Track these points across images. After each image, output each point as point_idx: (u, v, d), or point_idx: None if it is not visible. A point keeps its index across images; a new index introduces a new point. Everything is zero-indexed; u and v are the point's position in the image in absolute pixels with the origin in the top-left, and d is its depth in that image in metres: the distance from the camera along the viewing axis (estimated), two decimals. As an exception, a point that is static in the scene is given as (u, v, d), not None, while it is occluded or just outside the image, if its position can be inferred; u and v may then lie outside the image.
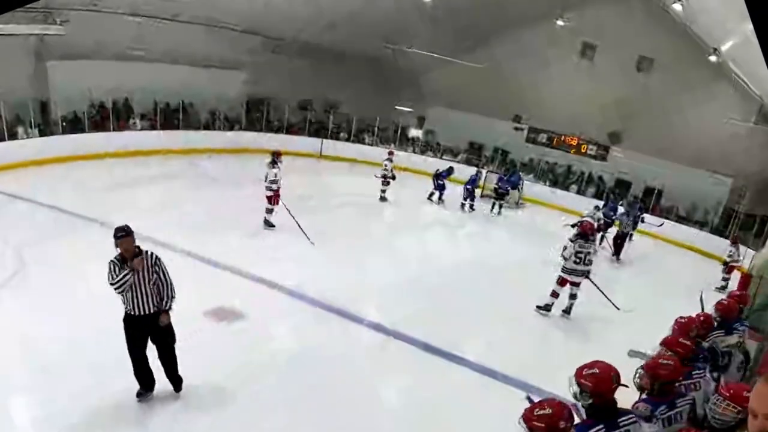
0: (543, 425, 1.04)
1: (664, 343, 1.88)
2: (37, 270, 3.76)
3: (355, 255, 4.83)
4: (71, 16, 7.36)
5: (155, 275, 2.20)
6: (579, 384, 1.23)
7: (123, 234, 2.10)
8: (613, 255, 5.96)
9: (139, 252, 2.14)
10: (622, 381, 1.30)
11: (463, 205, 7.27)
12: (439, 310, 3.65)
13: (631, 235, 6.63)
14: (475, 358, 3.08)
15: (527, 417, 1.12)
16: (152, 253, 2.26)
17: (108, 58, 7.68)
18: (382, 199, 7.21)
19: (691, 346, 1.85)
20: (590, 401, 1.20)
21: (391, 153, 7.44)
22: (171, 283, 2.28)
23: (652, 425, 1.46)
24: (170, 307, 2.29)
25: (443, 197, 7.37)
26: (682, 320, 2.08)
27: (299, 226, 4.85)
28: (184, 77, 7.49)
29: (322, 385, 2.61)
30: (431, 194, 7.52)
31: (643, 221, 6.76)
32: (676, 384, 1.60)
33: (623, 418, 1.24)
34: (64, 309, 3.01)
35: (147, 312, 2.18)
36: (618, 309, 3.93)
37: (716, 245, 6.77)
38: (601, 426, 1.18)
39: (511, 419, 1.17)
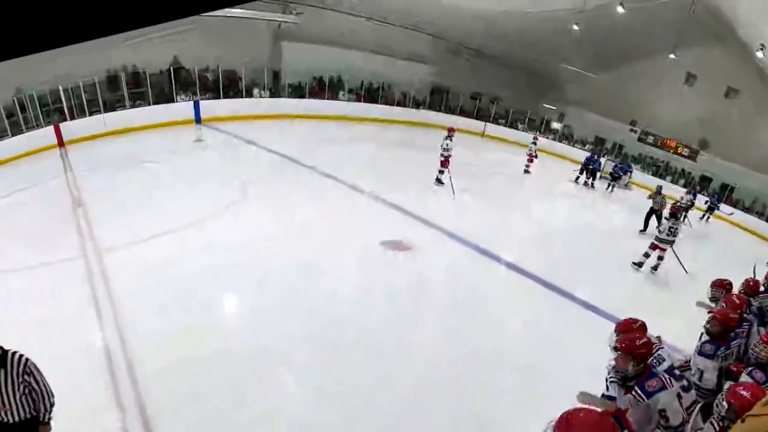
0: (643, 351, 2.48)
1: (726, 300, 3.86)
2: (256, 201, 8.38)
3: (500, 210, 9.72)
4: (305, 9, 15.83)
5: (23, 386, 2.53)
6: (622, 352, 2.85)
7: None
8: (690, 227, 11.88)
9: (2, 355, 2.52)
10: (688, 322, 3.69)
11: (585, 183, 14.70)
12: (560, 258, 7.46)
13: (709, 217, 14.27)
14: (584, 296, 6.25)
15: (628, 347, 2.55)
16: (21, 358, 2.53)
17: (328, 44, 15.91)
18: (526, 172, 14.08)
19: (744, 302, 3.88)
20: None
21: (535, 138, 14.92)
22: (47, 391, 2.68)
23: (714, 361, 3.34)
24: (48, 419, 2.73)
25: (594, 182, 14.59)
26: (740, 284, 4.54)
27: (452, 184, 9.93)
28: (384, 65, 15.86)
29: (464, 306, 5.73)
30: (577, 177, 14.66)
31: (718, 208, 14.42)
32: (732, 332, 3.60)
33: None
34: (276, 234, 7.01)
35: (12, 421, 2.60)
36: (686, 272, 7.78)
37: None
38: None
39: (591, 341, 3.20)
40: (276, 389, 4.75)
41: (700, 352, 3.76)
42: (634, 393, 2.90)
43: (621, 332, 3.20)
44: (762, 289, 5.00)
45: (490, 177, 13.91)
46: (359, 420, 4.30)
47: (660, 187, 11.26)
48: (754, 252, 13.82)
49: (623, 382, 3.01)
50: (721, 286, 4.66)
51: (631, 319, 3.39)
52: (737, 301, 4.15)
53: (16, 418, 2.65)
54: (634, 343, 2.90)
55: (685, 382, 3.34)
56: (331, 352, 5.19)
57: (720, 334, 3.75)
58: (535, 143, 15.30)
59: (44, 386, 2.73)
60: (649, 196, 10.88)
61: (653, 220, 10.72)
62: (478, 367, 5.21)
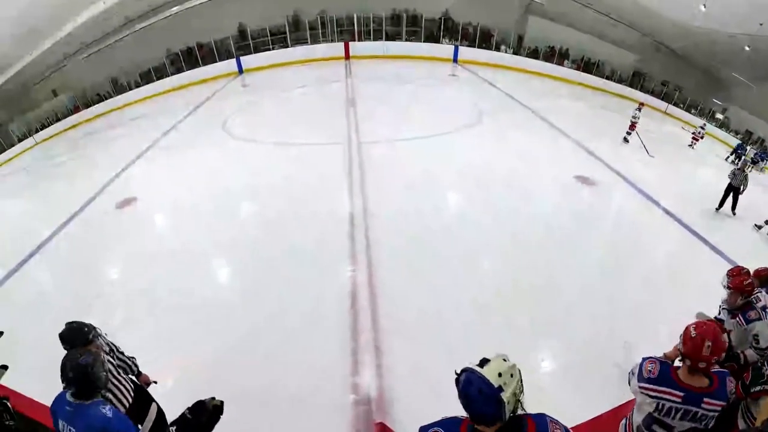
0: (749, 288, 5.08)
1: None
2: (487, 126, 17.80)
3: (665, 170, 17.18)
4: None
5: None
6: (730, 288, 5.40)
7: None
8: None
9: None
10: None
11: (733, 161, 25.46)
12: (708, 214, 13.57)
13: None
14: (717, 243, 11.48)
15: (737, 284, 5.17)
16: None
17: (563, 23, 33.50)
18: (690, 146, 24.77)
19: None
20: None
21: (704, 125, 27.03)
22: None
23: None
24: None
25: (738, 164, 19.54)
26: None
27: (643, 144, 19.00)
28: (601, 46, 34.24)
29: (621, 231, 11.95)
30: (727, 158, 26.81)
31: None
32: None
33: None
34: (495, 148, 15.68)
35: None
36: None
37: None
38: None
39: (716, 279, 5.62)
40: (471, 268, 9.49)
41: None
42: (738, 319, 5.27)
43: (731, 275, 5.45)
44: None
45: (663, 144, 22.28)
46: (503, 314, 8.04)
47: (745, 163, 15.43)
48: None
49: (731, 311, 5.40)
50: None
51: (739, 266, 5.65)
52: None
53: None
54: (742, 284, 5.23)
55: None
56: (514, 246, 10.10)
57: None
58: (703, 128, 25.82)
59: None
60: (733, 173, 14.31)
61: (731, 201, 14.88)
62: (620, 278, 9.60)
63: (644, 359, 3.94)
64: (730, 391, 3.72)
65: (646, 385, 3.81)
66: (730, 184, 14.98)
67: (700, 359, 3.59)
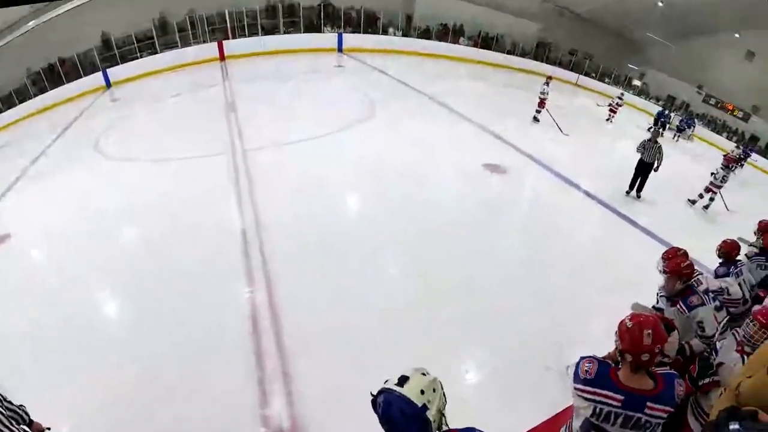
0: (688, 272, 5.54)
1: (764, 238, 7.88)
2: (381, 119, 18.66)
3: (583, 147, 19.40)
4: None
5: None
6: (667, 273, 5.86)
7: None
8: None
9: None
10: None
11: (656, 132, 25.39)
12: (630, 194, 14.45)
13: (743, 164, 28.98)
14: (645, 224, 12.65)
15: (674, 267, 5.63)
16: None
17: None
18: (608, 120, 26.85)
19: None
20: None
21: (622, 95, 28.52)
22: None
23: (731, 277, 7.06)
24: None
25: (663, 132, 27.72)
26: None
27: (555, 122, 20.54)
28: (499, 18, 35.79)
29: (539, 222, 12.74)
30: (650, 128, 27.07)
31: (750, 156, 30.39)
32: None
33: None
34: (393, 141, 16.64)
35: None
36: (728, 210, 15.76)
37: None
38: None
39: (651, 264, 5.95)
40: (378, 271, 9.71)
41: (717, 276, 7.18)
42: (678, 306, 5.49)
43: (667, 258, 5.74)
44: None
45: (578, 119, 24.28)
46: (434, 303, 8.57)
47: (657, 133, 16.31)
48: None
49: (670, 297, 5.64)
50: (763, 227, 8.34)
51: (675, 247, 5.95)
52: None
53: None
54: (679, 266, 5.49)
55: (717, 303, 5.91)
56: (420, 241, 10.51)
57: (726, 258, 7.39)
58: (621, 97, 27.37)
59: None
60: (643, 145, 15.04)
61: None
62: (544, 272, 9.94)
63: (582, 358, 3.98)
64: (678, 395, 3.80)
65: (582, 387, 3.85)
66: (641, 161, 15.62)
67: (642, 350, 3.64)
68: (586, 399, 3.85)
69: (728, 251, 8.15)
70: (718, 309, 6.20)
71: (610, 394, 3.77)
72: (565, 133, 21.59)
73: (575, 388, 3.88)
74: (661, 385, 3.79)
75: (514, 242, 11.65)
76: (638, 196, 15.78)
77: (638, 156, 15.75)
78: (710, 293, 6.32)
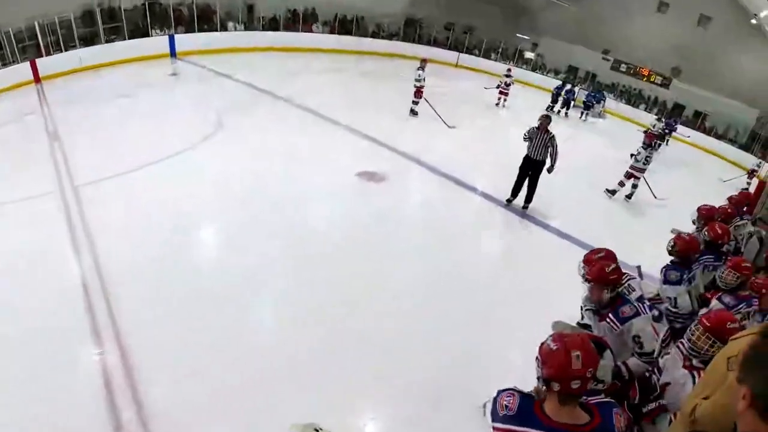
0: (615, 277, 5.39)
1: (709, 227, 8.50)
2: (231, 133, 17.13)
3: (473, 140, 19.56)
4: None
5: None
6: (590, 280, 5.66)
7: None
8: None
9: None
10: (663, 248, 7.67)
11: (558, 112, 29.52)
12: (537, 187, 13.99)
13: (668, 140, 30.34)
14: (558, 225, 13.14)
15: (592, 271, 5.57)
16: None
17: None
18: (497, 105, 27.34)
19: (727, 232, 8.68)
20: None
21: (509, 71, 28.30)
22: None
23: (682, 285, 7.13)
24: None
25: (568, 112, 29.79)
26: (706, 207, 9.61)
27: (437, 113, 20.30)
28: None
29: (435, 234, 12.45)
30: (549, 107, 29.13)
31: (675, 130, 31.37)
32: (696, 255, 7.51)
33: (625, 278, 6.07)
34: (251, 166, 15.03)
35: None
36: (656, 198, 16.55)
37: (743, 157, 30.60)
38: None
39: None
40: (254, 314, 9.21)
41: (666, 281, 6.98)
42: (608, 320, 5.31)
43: (589, 263, 5.65)
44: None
45: (462, 106, 24.64)
46: (334, 343, 8.26)
47: (547, 120, 13.53)
48: (720, 174, 25.69)
49: (597, 310, 5.47)
50: (706, 215, 8.87)
51: (596, 249, 6.00)
52: (719, 231, 8.03)
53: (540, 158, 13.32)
54: (603, 272, 5.30)
55: (656, 312, 5.91)
56: (304, 276, 9.98)
57: (683, 258, 7.12)
58: (509, 75, 27.27)
59: (556, 149, 13.46)
60: (529, 135, 13.41)
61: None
62: (449, 292, 9.87)
63: (500, 392, 3.68)
64: (619, 428, 3.58)
65: (502, 426, 3.56)
66: (527, 157, 14.23)
67: (571, 377, 3.32)
68: None
69: (685, 249, 7.70)
70: (656, 319, 6.07)
71: (537, 431, 3.45)
72: (450, 125, 21.41)
73: (494, 428, 3.61)
74: (597, 418, 3.53)
75: (409, 259, 11.47)
76: (525, 208, 14.87)
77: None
78: (645, 301, 6.06)
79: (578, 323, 6.02)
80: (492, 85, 30.11)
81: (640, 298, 6.00)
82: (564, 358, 3.36)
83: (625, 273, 6.00)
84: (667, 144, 31.84)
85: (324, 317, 9.04)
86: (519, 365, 6.39)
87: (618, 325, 5.46)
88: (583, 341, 3.49)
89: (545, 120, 13.99)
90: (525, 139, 13.86)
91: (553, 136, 13.57)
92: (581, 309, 6.10)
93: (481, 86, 31.28)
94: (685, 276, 7.40)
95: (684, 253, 7.63)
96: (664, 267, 7.87)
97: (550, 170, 13.75)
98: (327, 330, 8.70)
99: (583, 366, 3.36)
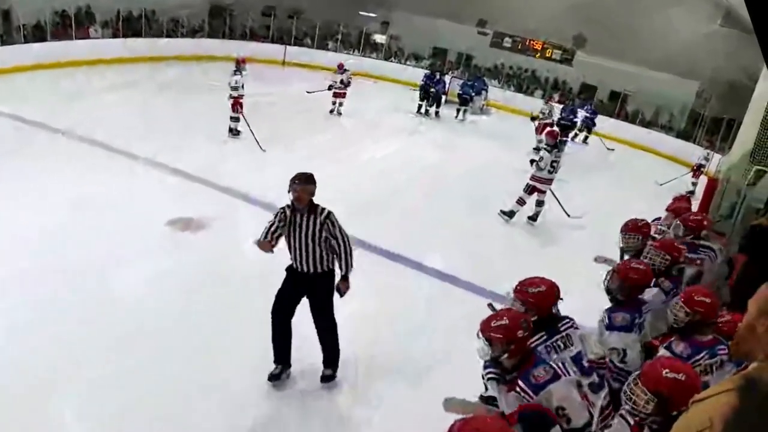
0: (501, 336, 5.81)
1: (657, 246, 9.84)
2: None
3: (313, 162, 17.91)
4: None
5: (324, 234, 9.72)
6: (521, 301, 7.05)
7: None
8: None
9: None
10: (589, 285, 9.34)
11: (426, 111, 34.59)
12: (402, 220, 17.29)
13: (587, 137, 35.62)
14: (440, 266, 14.78)
15: (484, 329, 5.98)
16: (325, 210, 9.64)
17: None
18: (334, 112, 31.44)
19: (681, 251, 10.07)
20: (534, 317, 6.72)
21: (342, 67, 31.60)
22: (347, 246, 9.87)
23: (634, 333, 8.02)
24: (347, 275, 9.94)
25: (439, 111, 34.12)
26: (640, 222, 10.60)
27: (253, 134, 22.81)
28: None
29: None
30: (420, 107, 34.24)
31: (594, 125, 35.88)
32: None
33: (562, 323, 7.14)
34: (27, 230, 15.21)
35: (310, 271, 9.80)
36: (569, 217, 18.75)
37: (683, 149, 34.70)
38: (543, 334, 6.96)
39: (475, 325, 6.29)
40: (62, 417, 9.67)
41: (612, 327, 7.45)
42: (517, 389, 5.54)
43: (486, 322, 6.10)
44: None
45: (298, 116, 27.51)
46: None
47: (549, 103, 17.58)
48: (656, 176, 27.54)
49: (502, 377, 5.77)
50: (636, 231, 9.55)
51: (491, 302, 6.83)
52: (674, 251, 9.07)
53: (315, 269, 9.68)
54: (489, 325, 5.75)
55: (595, 379, 6.36)
56: (115, 384, 10.29)
57: (629, 294, 7.73)
58: (344, 70, 30.00)
59: (344, 238, 9.42)
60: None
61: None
62: (300, 361, 10.86)
63: None
64: None
65: None
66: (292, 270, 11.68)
67: None
68: None
69: (635, 283, 8.42)
70: (594, 390, 6.67)
71: None
72: (263, 148, 24.12)
73: None
74: None
75: (246, 328, 11.95)
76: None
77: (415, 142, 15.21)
78: (583, 364, 6.81)
79: (481, 396, 6.55)
80: (319, 87, 32.81)
81: (577, 357, 6.62)
82: None
83: (530, 321, 6.41)
84: (586, 142, 36.87)
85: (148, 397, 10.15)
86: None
87: (531, 394, 5.64)
88: (497, 427, 3.94)
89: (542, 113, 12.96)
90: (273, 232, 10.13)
91: (329, 213, 9.83)
92: (483, 377, 6.45)
93: (318, 87, 33.68)
94: (636, 320, 8.06)
95: (634, 289, 8.35)
96: (607, 309, 8.35)
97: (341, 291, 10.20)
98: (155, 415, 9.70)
99: None
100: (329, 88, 32.42)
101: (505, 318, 6.34)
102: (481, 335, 6.25)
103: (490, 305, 7.70)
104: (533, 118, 30.93)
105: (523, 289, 7.35)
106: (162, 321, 12.67)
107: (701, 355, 6.97)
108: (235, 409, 10.67)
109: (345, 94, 32.65)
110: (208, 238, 16.53)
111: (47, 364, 11.39)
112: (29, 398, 10.51)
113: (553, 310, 7.47)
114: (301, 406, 11.24)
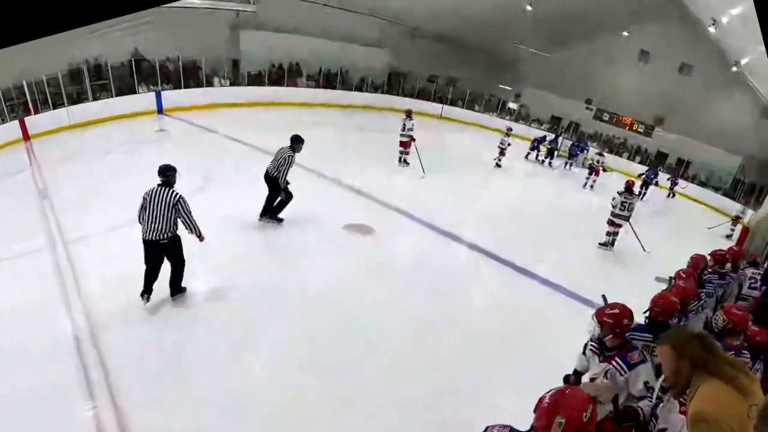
0: (612, 321, 7.61)
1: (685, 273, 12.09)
2: (219, 189, 23.98)
3: (461, 191, 28.94)
4: (262, -1, 40.80)
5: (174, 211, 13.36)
6: (600, 323, 8.09)
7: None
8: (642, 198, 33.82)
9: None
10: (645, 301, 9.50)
11: (542, 161, 44.19)
12: (521, 238, 22.19)
13: (674, 194, 44.98)
14: (544, 275, 18.43)
15: (600, 314, 7.93)
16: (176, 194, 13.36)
17: (286, 31, 41.79)
18: (497, 166, 38.03)
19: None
20: (611, 336, 8.05)
21: (509, 129, 39.84)
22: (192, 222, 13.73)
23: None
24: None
25: (552, 161, 42.75)
26: (696, 257, 13.68)
27: (420, 161, 29.72)
28: (341, 50, 50.41)
29: (429, 287, 17.02)
30: (527, 155, 44.13)
31: (677, 184, 45.23)
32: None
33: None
34: (242, 224, 20.74)
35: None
36: (645, 251, 23.06)
37: (727, 205, 43.07)
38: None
39: (570, 323, 12.58)
40: (254, 374, 11.48)
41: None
42: (614, 364, 6.96)
43: (599, 317, 7.28)
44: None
45: (449, 158, 32.97)
46: (338, 397, 10.59)
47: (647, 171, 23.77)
48: (707, 222, 35.68)
49: (602, 353, 7.27)
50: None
51: (610, 304, 7.64)
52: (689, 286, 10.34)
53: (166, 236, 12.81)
54: (603, 312, 7.34)
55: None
56: (303, 338, 12.68)
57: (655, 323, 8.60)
58: (508, 135, 35.50)
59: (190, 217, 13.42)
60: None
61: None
62: (449, 346, 12.82)
63: (487, 427, 4.88)
64: None
65: None
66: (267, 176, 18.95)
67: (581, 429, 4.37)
68: None
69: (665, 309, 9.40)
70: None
71: None
72: (421, 175, 29.89)
73: None
74: None
75: (397, 318, 14.86)
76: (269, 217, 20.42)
77: (542, 189, 19.69)
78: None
79: (577, 367, 8.45)
80: (491, 142, 39.61)
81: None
82: (545, 420, 4.40)
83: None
84: (673, 197, 44.35)
85: (325, 374, 11.94)
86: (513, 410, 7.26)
87: (626, 370, 7.11)
88: (574, 401, 4.57)
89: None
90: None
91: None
92: (584, 347, 8.15)
93: (465, 138, 42.62)
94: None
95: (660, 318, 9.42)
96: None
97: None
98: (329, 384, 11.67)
99: (590, 421, 4.45)
100: (499, 147, 39.86)
101: (616, 308, 8.01)
102: (595, 318, 7.90)
103: (603, 297, 9.82)
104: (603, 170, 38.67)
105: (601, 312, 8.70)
106: (340, 294, 15.84)
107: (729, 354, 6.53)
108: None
109: (505, 152, 39.61)
110: (373, 241, 20.57)
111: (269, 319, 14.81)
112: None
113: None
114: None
